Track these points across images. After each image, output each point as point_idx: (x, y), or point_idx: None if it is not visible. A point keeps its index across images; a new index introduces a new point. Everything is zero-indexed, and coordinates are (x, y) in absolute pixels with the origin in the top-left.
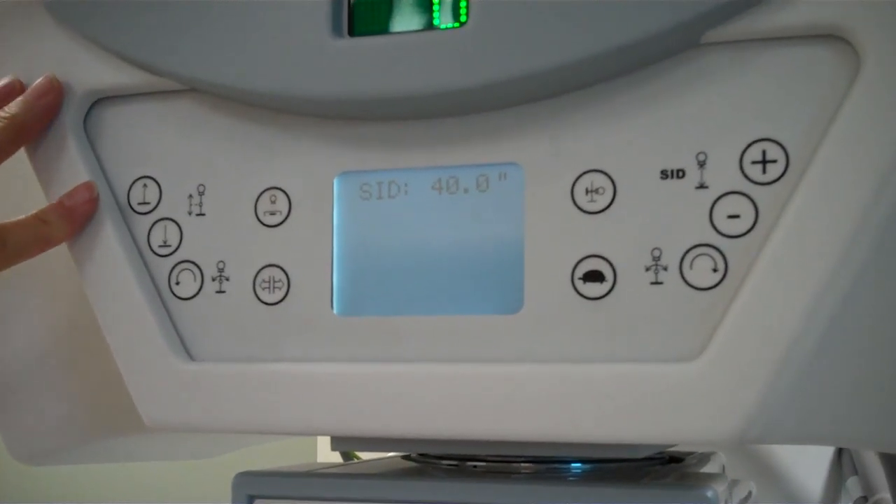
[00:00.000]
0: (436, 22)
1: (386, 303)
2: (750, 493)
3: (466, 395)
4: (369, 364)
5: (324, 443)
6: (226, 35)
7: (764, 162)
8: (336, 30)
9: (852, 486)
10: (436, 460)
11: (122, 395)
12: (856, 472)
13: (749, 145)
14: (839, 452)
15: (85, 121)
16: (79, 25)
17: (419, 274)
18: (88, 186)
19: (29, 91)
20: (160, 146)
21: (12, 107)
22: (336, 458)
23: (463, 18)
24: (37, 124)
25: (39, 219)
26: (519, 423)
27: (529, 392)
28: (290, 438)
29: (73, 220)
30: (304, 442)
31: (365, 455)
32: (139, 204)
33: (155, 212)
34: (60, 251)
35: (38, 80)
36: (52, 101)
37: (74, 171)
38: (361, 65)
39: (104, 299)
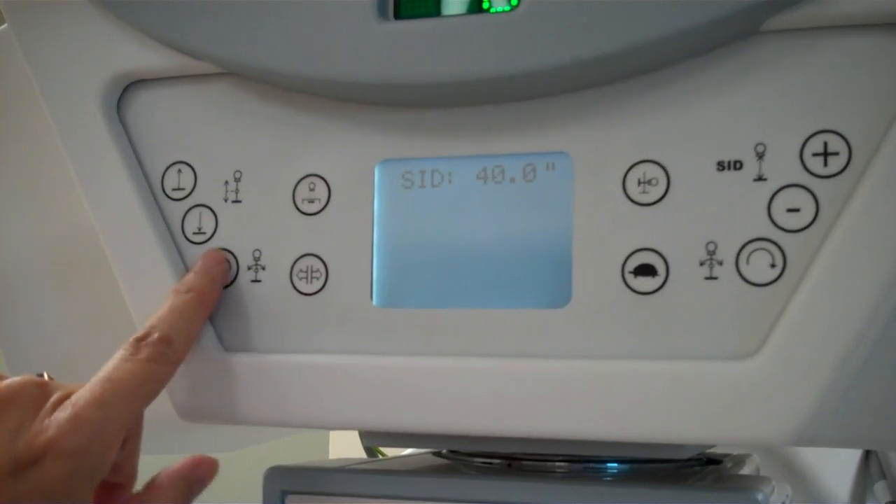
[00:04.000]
0: (486, 5)
1: (427, 295)
2: (788, 495)
3: (511, 392)
4: (410, 357)
5: (336, 439)
6: (266, 17)
7: (825, 154)
8: (381, 12)
9: (879, 491)
10: (468, 457)
11: None
12: (884, 477)
13: (810, 137)
14: (866, 456)
15: (119, 103)
16: (113, 5)
17: (462, 266)
18: (217, 253)
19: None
20: (196, 131)
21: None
22: (348, 453)
23: (514, 2)
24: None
25: (183, 291)
26: (566, 422)
27: (577, 389)
28: (301, 433)
29: (215, 281)
30: (316, 437)
31: (390, 451)
32: (174, 189)
33: (190, 198)
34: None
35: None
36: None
37: (107, 154)
38: (408, 49)
39: (136, 287)
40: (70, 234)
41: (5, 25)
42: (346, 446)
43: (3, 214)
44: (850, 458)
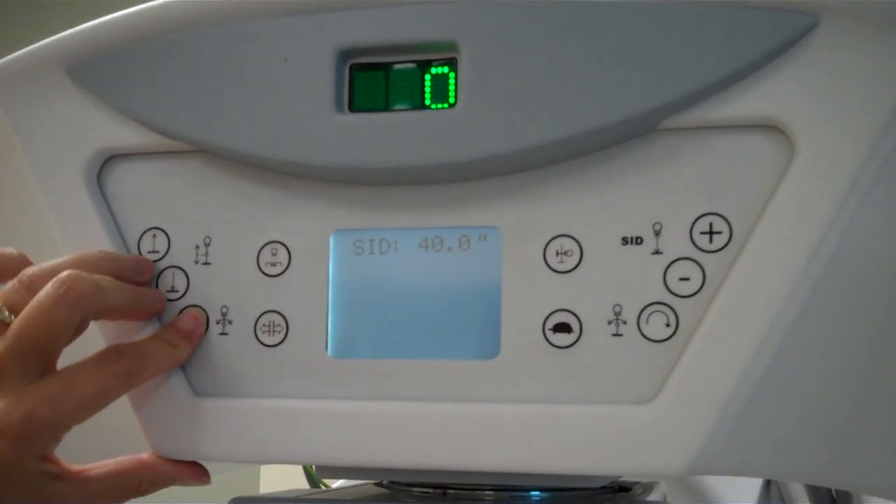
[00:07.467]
0: (427, 102)
1: (376, 347)
2: None
3: (448, 432)
4: (360, 402)
5: (266, 472)
6: (237, 104)
7: (711, 233)
8: (338, 105)
9: None
10: (406, 487)
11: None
12: (783, 502)
13: (698, 218)
14: (767, 483)
15: (99, 174)
16: (98, 89)
17: (406, 322)
18: (195, 315)
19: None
20: (170, 200)
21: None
22: (279, 485)
23: (451, 100)
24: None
25: (165, 341)
26: (495, 457)
27: (504, 429)
28: (232, 471)
29: (192, 342)
30: (247, 475)
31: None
32: (149, 252)
33: (164, 260)
34: None
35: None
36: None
37: (88, 221)
38: (360, 138)
39: (116, 340)
40: None
41: None
42: (276, 479)
43: None
44: (752, 484)
